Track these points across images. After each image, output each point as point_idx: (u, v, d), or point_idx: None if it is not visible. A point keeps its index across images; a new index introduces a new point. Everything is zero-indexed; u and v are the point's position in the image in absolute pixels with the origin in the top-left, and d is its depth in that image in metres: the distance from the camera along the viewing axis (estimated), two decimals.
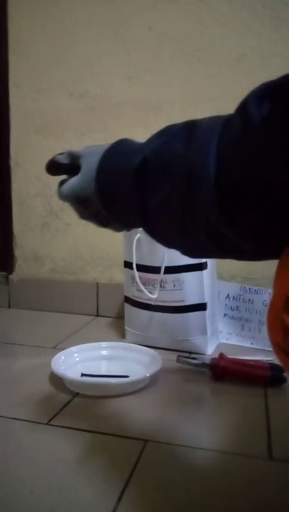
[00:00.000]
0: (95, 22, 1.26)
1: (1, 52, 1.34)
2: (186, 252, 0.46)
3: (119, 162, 0.46)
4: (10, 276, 1.42)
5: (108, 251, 1.33)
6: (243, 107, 0.35)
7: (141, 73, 1.24)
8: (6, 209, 1.41)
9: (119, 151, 0.48)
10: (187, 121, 0.43)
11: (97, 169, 0.47)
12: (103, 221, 0.52)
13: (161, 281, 0.99)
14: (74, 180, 0.50)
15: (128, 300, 1.08)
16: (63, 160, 0.53)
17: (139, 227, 0.48)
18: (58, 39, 1.30)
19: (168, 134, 0.43)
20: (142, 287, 1.00)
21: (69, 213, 1.35)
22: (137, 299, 1.04)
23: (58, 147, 1.33)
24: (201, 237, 0.40)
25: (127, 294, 1.08)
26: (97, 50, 1.27)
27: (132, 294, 1.06)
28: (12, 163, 1.38)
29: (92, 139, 1.30)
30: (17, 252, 1.42)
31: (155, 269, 0.99)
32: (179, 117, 1.32)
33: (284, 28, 1.13)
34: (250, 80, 1.15)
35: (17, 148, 1.37)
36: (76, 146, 1.32)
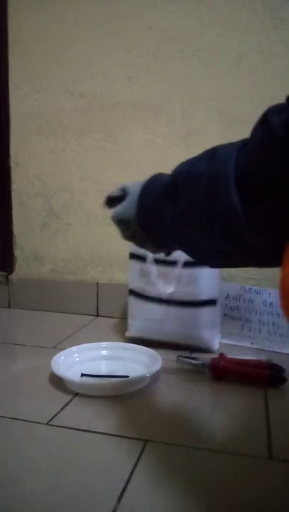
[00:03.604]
0: (95, 22, 1.26)
1: (1, 52, 1.34)
2: (210, 260, 0.51)
3: (155, 185, 0.55)
4: (10, 276, 1.42)
5: (108, 251, 1.33)
6: (263, 118, 0.40)
7: (141, 73, 1.24)
8: (6, 209, 1.41)
9: (156, 179, 0.55)
10: (209, 148, 0.49)
11: (138, 195, 0.56)
12: (140, 241, 0.60)
13: (177, 275, 0.98)
14: (119, 206, 0.61)
15: (134, 293, 1.06)
16: (116, 193, 0.64)
17: (169, 243, 0.55)
18: (58, 39, 1.30)
19: (193, 158, 0.50)
20: (157, 281, 0.99)
21: (69, 213, 1.35)
22: (146, 293, 1.02)
23: (58, 147, 1.34)
24: (219, 236, 0.44)
25: (132, 287, 1.06)
26: (97, 50, 1.27)
27: (139, 287, 1.04)
28: (12, 163, 1.38)
29: (92, 139, 1.30)
30: (17, 252, 1.42)
31: (171, 263, 0.98)
32: (178, 117, 1.32)
33: (284, 28, 1.13)
34: (250, 79, 1.16)
35: (17, 148, 1.37)
36: (76, 146, 1.32)
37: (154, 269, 1.00)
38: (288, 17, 1.13)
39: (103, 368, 0.91)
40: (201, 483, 0.55)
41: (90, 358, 0.92)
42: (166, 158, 1.18)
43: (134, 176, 1.26)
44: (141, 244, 0.61)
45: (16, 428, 0.68)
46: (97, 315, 1.33)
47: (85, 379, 0.84)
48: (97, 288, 1.34)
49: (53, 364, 0.83)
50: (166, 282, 0.99)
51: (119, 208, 0.61)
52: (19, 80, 1.35)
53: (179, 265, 0.98)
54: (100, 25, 1.26)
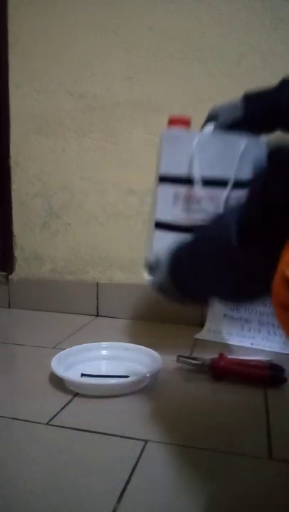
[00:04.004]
0: (95, 22, 1.26)
1: (1, 52, 1.34)
2: (222, 292, 0.57)
3: (179, 250, 0.62)
4: (10, 276, 1.42)
5: (108, 251, 1.33)
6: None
7: (141, 73, 1.24)
8: (6, 209, 1.41)
9: (179, 246, 0.63)
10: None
11: (167, 263, 0.64)
12: (181, 301, 0.67)
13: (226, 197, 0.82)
14: (155, 277, 0.68)
15: (163, 226, 0.87)
16: (152, 263, 0.70)
17: (199, 293, 0.62)
18: (58, 39, 1.30)
19: (205, 225, 0.60)
20: (208, 206, 0.82)
21: (69, 213, 1.35)
22: (184, 222, 0.84)
23: (58, 147, 1.34)
24: (226, 271, 0.51)
25: (161, 218, 0.86)
26: (97, 50, 1.27)
27: (171, 216, 0.85)
28: (12, 163, 1.38)
29: (92, 139, 1.30)
30: (17, 252, 1.42)
31: (221, 184, 0.82)
32: None
33: (284, 28, 1.13)
34: (250, 79, 1.16)
35: (17, 148, 1.37)
36: (76, 146, 1.32)
37: (202, 192, 0.82)
38: (288, 17, 1.13)
39: (103, 368, 0.91)
40: (201, 483, 0.55)
41: (90, 358, 0.92)
42: None
43: (134, 175, 1.28)
44: (183, 303, 0.68)
45: (16, 428, 0.68)
46: (97, 315, 1.33)
47: (85, 379, 0.84)
48: (97, 288, 1.34)
49: (52, 364, 0.83)
50: (216, 208, 0.82)
51: (155, 278, 0.68)
52: (19, 79, 1.35)
53: (229, 186, 0.82)
54: (100, 25, 1.26)
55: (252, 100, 0.83)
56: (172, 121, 0.92)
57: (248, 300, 0.62)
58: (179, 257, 0.63)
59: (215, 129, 0.85)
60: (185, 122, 0.92)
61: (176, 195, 0.84)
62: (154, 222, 0.88)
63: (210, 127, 0.86)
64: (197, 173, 0.81)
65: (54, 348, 1.03)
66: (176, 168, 0.83)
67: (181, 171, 0.82)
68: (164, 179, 0.85)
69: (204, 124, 0.88)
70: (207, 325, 1.13)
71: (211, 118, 0.87)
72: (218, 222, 0.57)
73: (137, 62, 1.24)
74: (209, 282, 0.57)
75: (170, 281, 0.65)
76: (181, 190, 0.83)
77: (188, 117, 0.92)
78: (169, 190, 0.84)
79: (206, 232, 0.59)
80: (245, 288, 0.52)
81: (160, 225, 0.87)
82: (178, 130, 0.90)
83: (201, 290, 0.61)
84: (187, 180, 0.83)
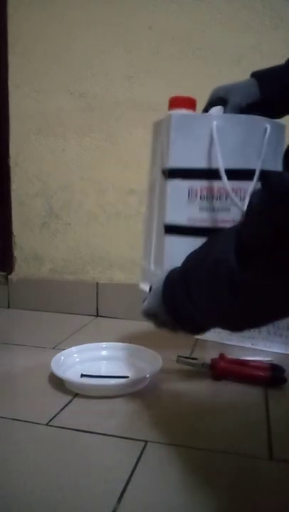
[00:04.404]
0: (94, 22, 1.26)
1: (1, 52, 1.34)
2: (223, 321, 0.54)
3: (172, 277, 0.60)
4: (9, 276, 1.42)
5: (108, 251, 1.33)
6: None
7: (141, 73, 1.24)
8: (5, 209, 1.40)
9: (172, 272, 0.61)
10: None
11: (162, 288, 0.62)
12: (172, 327, 0.64)
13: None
14: (146, 302, 0.67)
15: (175, 230, 0.72)
16: (147, 293, 0.69)
17: (193, 320, 0.58)
18: (58, 39, 1.30)
19: (198, 248, 0.56)
20: (235, 198, 0.67)
21: (69, 213, 1.35)
22: (198, 224, 0.71)
23: (58, 147, 1.33)
24: (226, 294, 0.47)
25: (173, 220, 0.72)
26: (97, 50, 1.27)
27: (186, 217, 0.71)
28: (12, 163, 1.38)
29: (92, 139, 1.30)
30: (17, 252, 1.42)
31: (244, 174, 0.68)
32: None
33: (284, 28, 1.13)
34: None
35: (17, 148, 1.37)
36: (76, 146, 1.32)
37: (226, 186, 0.67)
38: (288, 16, 1.13)
39: (103, 369, 0.91)
40: (201, 483, 0.55)
41: (89, 358, 0.92)
42: None
43: (134, 175, 1.28)
44: (173, 330, 0.65)
45: (16, 428, 0.68)
46: (97, 315, 1.33)
47: (85, 379, 0.84)
48: (97, 288, 1.33)
49: (52, 364, 0.83)
50: (241, 204, 0.69)
51: (146, 303, 0.66)
52: (19, 80, 1.34)
53: (255, 178, 0.68)
54: (100, 24, 1.26)
55: (267, 79, 0.77)
56: (174, 102, 0.76)
57: (253, 325, 0.59)
58: (173, 282, 0.60)
59: (226, 112, 0.74)
60: (190, 104, 0.77)
61: (192, 192, 0.70)
62: (162, 226, 0.74)
63: (218, 111, 0.75)
64: (221, 163, 0.66)
65: (54, 348, 1.03)
66: (190, 160, 0.70)
67: (197, 162, 0.69)
68: (174, 173, 0.70)
69: (207, 108, 0.79)
70: None
71: (218, 100, 0.77)
72: (215, 242, 0.52)
73: (137, 62, 1.24)
74: (209, 310, 0.53)
75: (164, 308, 0.62)
76: (198, 185, 0.69)
77: (193, 98, 0.78)
78: (181, 186, 0.70)
79: (202, 253, 0.55)
80: (249, 312, 0.49)
81: (172, 229, 0.73)
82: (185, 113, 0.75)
83: (201, 318, 0.57)
84: (205, 173, 0.69)
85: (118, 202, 1.29)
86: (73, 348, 0.93)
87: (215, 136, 0.67)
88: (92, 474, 0.57)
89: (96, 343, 0.97)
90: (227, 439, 0.66)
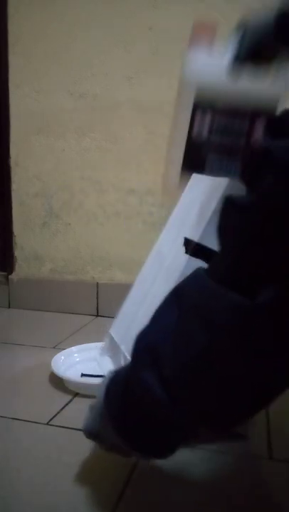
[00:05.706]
0: (94, 22, 1.26)
1: (1, 52, 1.34)
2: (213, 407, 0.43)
3: (118, 376, 0.49)
4: (10, 276, 1.42)
5: (108, 251, 1.33)
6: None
7: (141, 73, 1.24)
8: (6, 209, 1.40)
9: (116, 374, 0.49)
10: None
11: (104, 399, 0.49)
12: (123, 451, 0.49)
13: None
14: (85, 420, 0.53)
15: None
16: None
17: (168, 427, 0.44)
18: (58, 39, 1.30)
19: (147, 325, 0.46)
20: None
21: (69, 213, 1.35)
22: None
23: (58, 147, 1.33)
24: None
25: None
26: (97, 50, 1.27)
27: None
28: (12, 163, 1.38)
29: (92, 139, 1.30)
30: (17, 252, 1.42)
31: None
32: None
33: None
34: None
35: (17, 148, 1.37)
36: (76, 146, 1.32)
37: None
38: None
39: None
40: (201, 483, 0.55)
41: (90, 358, 0.92)
42: None
43: (134, 175, 1.28)
44: (127, 455, 0.50)
45: (16, 428, 0.68)
46: (97, 315, 1.33)
47: (85, 379, 0.84)
48: (97, 288, 1.34)
49: (53, 364, 0.83)
50: None
51: (85, 421, 0.53)
52: (19, 80, 1.35)
53: None
54: (100, 24, 1.26)
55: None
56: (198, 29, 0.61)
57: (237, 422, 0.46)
58: (123, 379, 0.46)
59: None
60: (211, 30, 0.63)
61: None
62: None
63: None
64: None
65: (54, 348, 1.03)
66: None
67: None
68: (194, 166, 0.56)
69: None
70: None
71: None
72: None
73: (136, 62, 1.24)
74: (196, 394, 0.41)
75: (109, 424, 0.46)
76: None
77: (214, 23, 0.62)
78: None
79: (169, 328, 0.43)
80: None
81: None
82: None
83: (183, 415, 0.42)
84: None
85: (118, 202, 1.29)
86: (73, 348, 0.93)
87: None
88: (92, 474, 0.57)
89: (96, 343, 0.97)
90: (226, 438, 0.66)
